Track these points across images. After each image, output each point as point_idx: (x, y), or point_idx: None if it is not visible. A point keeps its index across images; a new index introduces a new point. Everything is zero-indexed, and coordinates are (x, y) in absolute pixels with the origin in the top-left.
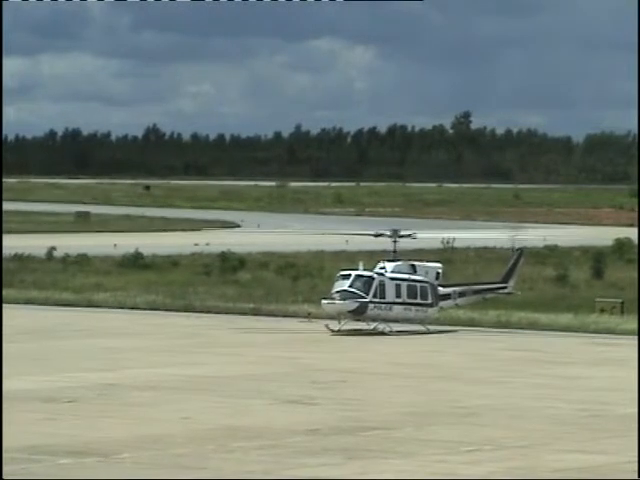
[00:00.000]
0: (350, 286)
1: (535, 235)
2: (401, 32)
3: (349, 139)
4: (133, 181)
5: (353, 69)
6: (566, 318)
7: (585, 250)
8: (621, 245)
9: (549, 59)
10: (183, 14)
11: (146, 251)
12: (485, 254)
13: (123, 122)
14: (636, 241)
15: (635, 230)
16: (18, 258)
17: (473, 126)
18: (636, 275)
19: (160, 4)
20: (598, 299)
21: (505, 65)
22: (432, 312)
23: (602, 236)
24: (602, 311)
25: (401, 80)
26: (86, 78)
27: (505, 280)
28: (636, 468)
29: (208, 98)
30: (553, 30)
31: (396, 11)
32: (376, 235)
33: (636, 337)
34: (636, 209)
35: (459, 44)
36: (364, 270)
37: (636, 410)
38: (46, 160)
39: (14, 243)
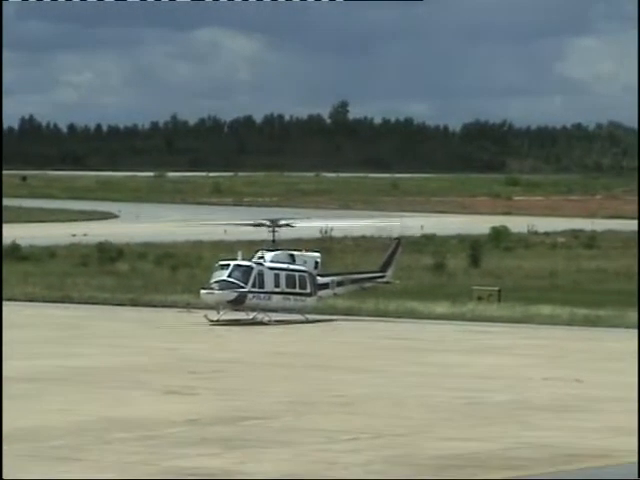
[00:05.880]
0: (229, 276)
1: (413, 224)
2: (286, 22)
3: (226, 128)
4: (9, 172)
5: (237, 59)
6: (443, 306)
7: (462, 239)
8: (497, 234)
9: (429, 49)
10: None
11: (23, 242)
12: (363, 243)
13: None
14: (512, 229)
15: (510, 218)
16: None
17: (351, 116)
18: (519, 263)
19: None
20: (475, 287)
21: (386, 55)
22: (311, 301)
23: (478, 224)
24: (479, 299)
25: (284, 70)
26: None
27: (383, 269)
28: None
29: (89, 88)
30: (433, 20)
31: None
32: (255, 225)
33: (510, 325)
34: (512, 197)
35: (342, 35)
36: (243, 260)
37: (513, 397)
38: None
39: None
